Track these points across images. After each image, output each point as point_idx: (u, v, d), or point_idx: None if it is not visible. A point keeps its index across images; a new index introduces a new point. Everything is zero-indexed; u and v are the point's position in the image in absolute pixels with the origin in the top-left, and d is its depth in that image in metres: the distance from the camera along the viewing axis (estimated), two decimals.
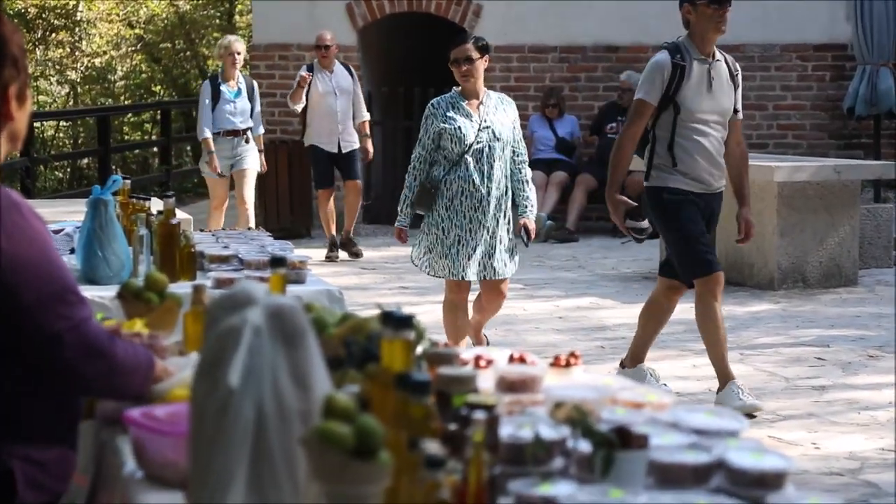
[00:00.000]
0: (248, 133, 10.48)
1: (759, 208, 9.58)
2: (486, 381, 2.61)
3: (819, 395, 6.52)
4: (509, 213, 6.61)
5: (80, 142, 21.69)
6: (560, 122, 12.92)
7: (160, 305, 3.22)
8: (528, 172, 6.69)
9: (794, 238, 9.52)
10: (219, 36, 23.38)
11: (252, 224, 10.10)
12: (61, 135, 21.87)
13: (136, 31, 23.24)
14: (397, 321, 2.22)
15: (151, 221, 4.73)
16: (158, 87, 23.69)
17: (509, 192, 6.60)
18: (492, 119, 6.51)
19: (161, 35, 23.09)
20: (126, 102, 22.76)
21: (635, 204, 6.29)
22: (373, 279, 10.18)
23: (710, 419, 2.39)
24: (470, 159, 6.46)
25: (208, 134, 10.38)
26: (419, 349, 2.56)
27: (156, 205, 5.39)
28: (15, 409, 2.46)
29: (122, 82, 23.51)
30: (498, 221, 6.55)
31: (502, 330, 7.91)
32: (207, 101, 10.40)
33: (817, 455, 5.48)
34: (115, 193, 4.76)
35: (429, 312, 8.50)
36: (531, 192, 6.68)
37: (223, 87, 10.43)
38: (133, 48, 23.40)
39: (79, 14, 22.51)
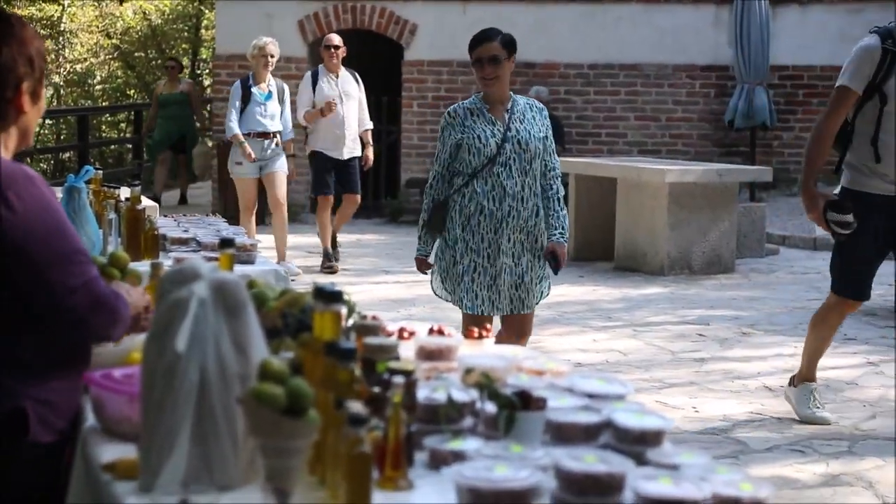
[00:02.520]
0: (278, 136, 9.15)
1: (653, 205, 9.67)
2: (407, 351, 2.59)
3: (699, 366, 6.57)
4: (542, 236, 4.99)
5: (62, 137, 21.38)
6: None
7: (122, 280, 3.15)
8: (560, 189, 5.02)
9: (682, 231, 9.60)
10: (187, 47, 23.18)
11: (286, 224, 9.27)
12: (46, 131, 21.52)
13: (114, 41, 22.95)
14: (328, 296, 2.18)
15: (120, 207, 4.66)
16: (132, 91, 23.39)
17: (541, 213, 4.97)
18: (518, 127, 4.90)
19: (135, 45, 22.84)
20: (104, 104, 22.45)
21: (835, 196, 5.06)
22: (317, 262, 10.11)
23: (601, 385, 2.38)
24: (491, 173, 4.89)
25: (237, 130, 9.02)
26: (350, 321, 2.52)
27: (125, 193, 5.30)
28: (26, 353, 2.40)
29: (101, 86, 23.22)
30: (524, 246, 4.95)
31: (430, 307, 7.88)
32: (238, 102, 9.07)
33: (696, 417, 5.52)
34: (88, 182, 4.67)
35: (366, 292, 8.48)
36: (564, 211, 5.02)
37: (254, 90, 9.10)
38: (110, 56, 23.11)
39: (62, 25, 22.18)
